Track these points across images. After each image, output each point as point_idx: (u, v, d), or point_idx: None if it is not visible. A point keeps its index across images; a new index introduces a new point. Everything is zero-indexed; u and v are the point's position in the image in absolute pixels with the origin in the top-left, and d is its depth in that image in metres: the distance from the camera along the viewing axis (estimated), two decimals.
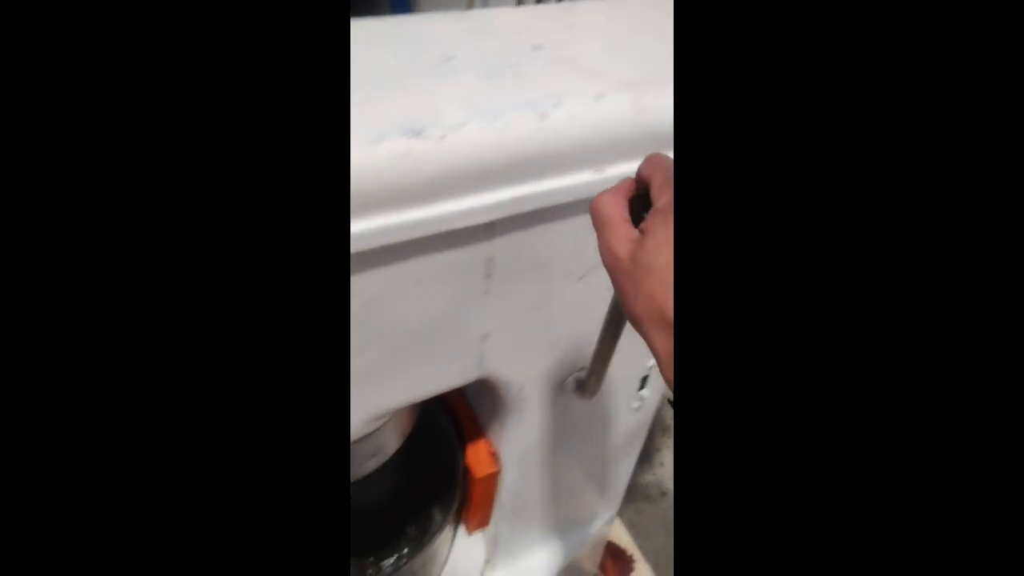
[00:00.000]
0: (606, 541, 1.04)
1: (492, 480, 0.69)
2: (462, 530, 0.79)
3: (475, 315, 0.49)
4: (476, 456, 0.68)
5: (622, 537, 1.05)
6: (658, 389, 0.72)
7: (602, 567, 1.05)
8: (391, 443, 0.58)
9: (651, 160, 0.35)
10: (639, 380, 0.69)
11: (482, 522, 0.74)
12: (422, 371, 0.50)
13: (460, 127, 0.40)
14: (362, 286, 0.41)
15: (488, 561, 0.81)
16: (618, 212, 0.34)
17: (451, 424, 0.73)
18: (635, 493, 1.14)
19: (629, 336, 0.60)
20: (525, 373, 0.58)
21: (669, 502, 1.13)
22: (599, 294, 0.55)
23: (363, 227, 0.38)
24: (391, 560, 0.75)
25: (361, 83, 0.42)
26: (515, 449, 0.66)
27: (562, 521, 0.81)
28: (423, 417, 0.85)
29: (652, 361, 0.67)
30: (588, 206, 0.35)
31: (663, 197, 0.32)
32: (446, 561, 0.80)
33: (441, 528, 0.72)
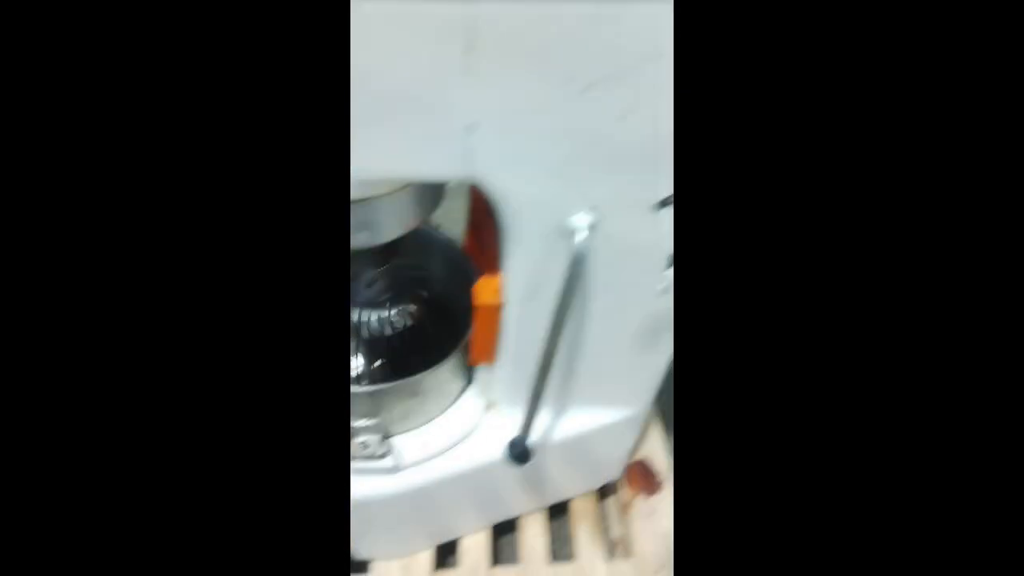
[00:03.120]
0: (635, 454, 1.00)
1: (493, 313, 0.69)
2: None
3: (456, 96, 0.48)
4: (485, 287, 0.69)
5: (660, 458, 1.00)
6: None
7: (629, 478, 1.02)
8: (384, 225, 0.60)
9: None
10: (665, 257, 0.64)
11: (484, 356, 0.75)
12: (403, 145, 0.51)
13: None
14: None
15: (489, 404, 0.82)
16: None
17: (481, 258, 0.74)
18: None
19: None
20: (520, 192, 0.56)
21: None
22: (603, 121, 0.51)
23: None
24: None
25: None
26: (518, 286, 0.65)
27: (573, 393, 0.79)
28: (451, 253, 0.86)
29: None
30: None
31: None
32: (457, 397, 0.83)
33: (447, 356, 0.75)
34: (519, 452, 0.69)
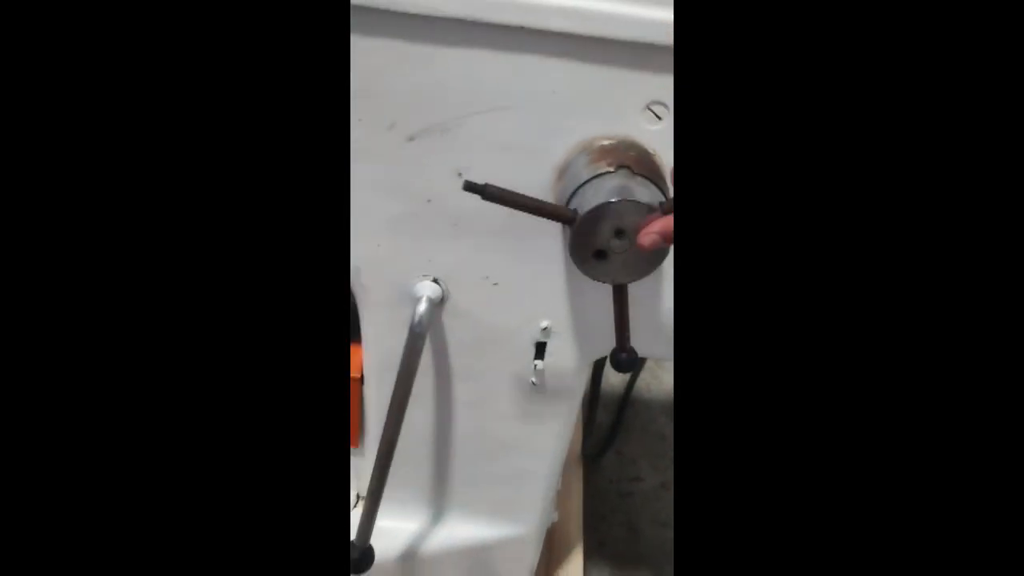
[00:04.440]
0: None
1: (351, 388, 0.62)
2: None
3: None
4: (354, 356, 0.63)
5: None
6: (572, 372, 0.59)
7: None
8: None
9: None
10: (532, 345, 0.57)
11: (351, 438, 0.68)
12: None
13: None
14: None
15: (358, 496, 0.74)
16: None
17: None
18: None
19: (511, 289, 0.51)
20: (360, 247, 0.51)
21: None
22: (437, 176, 0.47)
23: None
24: None
25: None
26: (375, 358, 0.59)
27: (453, 499, 0.70)
28: None
29: (546, 323, 0.55)
30: None
31: None
32: None
33: None
34: (356, 556, 0.60)
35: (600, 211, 0.41)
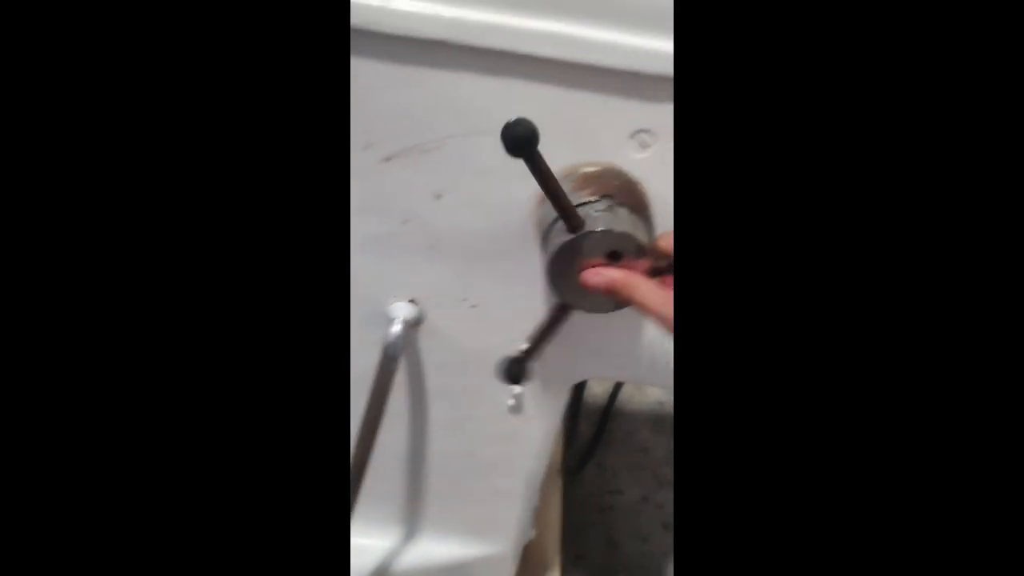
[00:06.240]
0: None
1: None
2: None
3: None
4: None
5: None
6: (550, 395, 0.58)
7: None
8: None
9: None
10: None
11: None
12: None
13: None
14: None
15: None
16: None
17: None
18: None
19: (489, 312, 0.50)
20: None
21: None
22: (415, 197, 0.45)
23: None
24: None
25: None
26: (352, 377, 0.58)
27: (427, 516, 0.69)
28: None
29: (525, 347, 0.54)
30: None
31: None
32: None
33: None
34: None
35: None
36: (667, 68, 0.38)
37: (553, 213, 0.43)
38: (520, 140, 0.35)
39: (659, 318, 0.38)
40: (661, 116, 0.41)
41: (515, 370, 0.47)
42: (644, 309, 0.39)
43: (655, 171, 0.43)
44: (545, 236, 0.43)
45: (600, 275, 0.40)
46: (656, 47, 0.38)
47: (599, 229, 0.40)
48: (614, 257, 0.41)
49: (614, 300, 0.41)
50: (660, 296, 0.38)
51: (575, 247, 0.40)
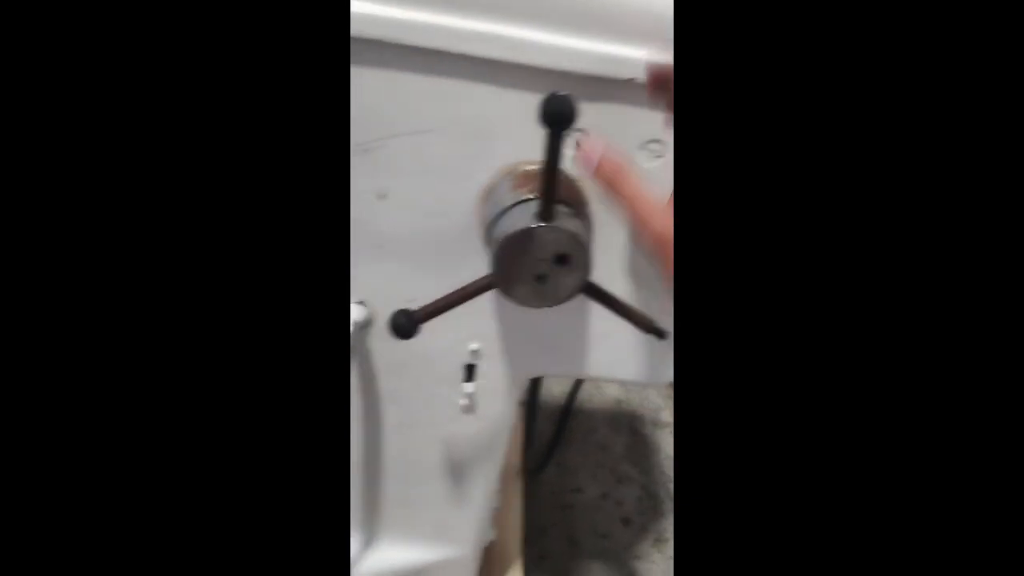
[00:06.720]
0: None
1: None
2: None
3: None
4: None
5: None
6: (502, 393, 0.58)
7: None
8: None
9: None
10: (461, 368, 0.56)
11: None
12: None
13: None
14: None
15: None
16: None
17: None
18: None
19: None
20: None
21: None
22: (358, 196, 0.45)
23: None
24: None
25: None
26: None
27: (386, 521, 0.69)
28: None
29: (475, 345, 0.54)
30: None
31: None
32: None
33: None
34: None
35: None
36: None
37: (495, 209, 0.43)
38: (558, 116, 0.34)
39: (639, 222, 0.36)
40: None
41: (402, 321, 0.43)
42: (631, 206, 0.36)
43: (667, 181, 0.44)
44: (495, 220, 0.43)
45: (601, 154, 0.38)
46: (604, 50, 0.39)
47: (569, 229, 0.40)
48: (561, 261, 0.41)
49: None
50: (651, 205, 0.36)
51: (536, 236, 0.40)
